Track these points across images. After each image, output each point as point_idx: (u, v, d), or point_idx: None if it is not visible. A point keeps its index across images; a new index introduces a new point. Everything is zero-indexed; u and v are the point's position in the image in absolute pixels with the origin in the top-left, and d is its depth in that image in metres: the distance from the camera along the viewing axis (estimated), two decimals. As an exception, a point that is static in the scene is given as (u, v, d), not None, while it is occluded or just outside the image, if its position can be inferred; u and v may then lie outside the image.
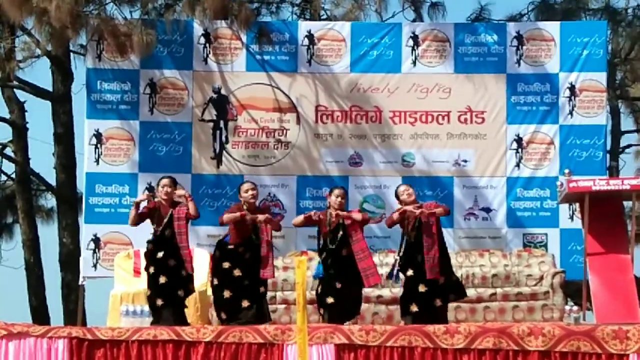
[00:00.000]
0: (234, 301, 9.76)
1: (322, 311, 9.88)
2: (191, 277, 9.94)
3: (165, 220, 9.89)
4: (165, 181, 10.07)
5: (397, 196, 10.19)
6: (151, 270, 9.90)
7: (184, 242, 9.82)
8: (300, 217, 10.17)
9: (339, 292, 9.78)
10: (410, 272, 9.93)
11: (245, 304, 9.74)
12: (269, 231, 9.90)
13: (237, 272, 9.79)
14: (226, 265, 9.84)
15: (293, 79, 12.76)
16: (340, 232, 9.89)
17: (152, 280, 9.86)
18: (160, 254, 9.84)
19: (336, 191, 10.11)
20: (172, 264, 9.84)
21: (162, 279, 9.80)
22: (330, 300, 9.78)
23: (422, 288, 9.81)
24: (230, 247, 9.90)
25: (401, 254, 9.97)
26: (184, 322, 9.73)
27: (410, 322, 9.65)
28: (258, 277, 9.80)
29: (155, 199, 10.12)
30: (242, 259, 9.82)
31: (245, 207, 9.96)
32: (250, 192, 9.99)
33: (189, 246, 9.96)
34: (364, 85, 12.75)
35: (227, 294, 9.78)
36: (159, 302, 9.78)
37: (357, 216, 9.97)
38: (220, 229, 11.97)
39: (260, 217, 9.87)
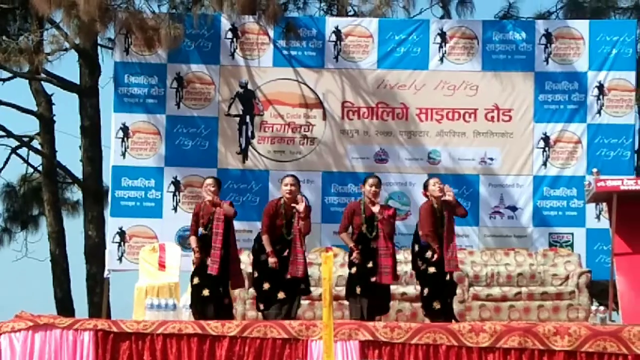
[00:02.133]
0: (271, 292, 9.82)
1: (351, 301, 9.89)
2: (221, 280, 9.87)
3: (206, 220, 9.91)
4: (209, 181, 10.06)
5: (425, 187, 10.16)
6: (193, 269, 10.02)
7: (218, 243, 9.80)
8: (346, 240, 10.05)
9: (371, 284, 9.78)
10: (432, 269, 9.91)
11: (281, 295, 9.79)
12: (297, 229, 9.85)
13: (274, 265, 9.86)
14: (264, 257, 9.87)
15: (320, 75, 12.75)
16: (376, 222, 9.86)
17: (190, 281, 9.98)
18: (203, 252, 9.88)
19: (370, 180, 10.11)
20: (207, 263, 9.87)
21: (195, 280, 9.88)
22: (358, 289, 9.79)
23: (443, 283, 9.86)
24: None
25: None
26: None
27: (433, 319, 9.69)
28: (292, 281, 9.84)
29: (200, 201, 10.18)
30: (280, 256, 9.85)
31: (282, 201, 9.97)
32: (288, 187, 9.97)
33: (221, 248, 9.83)
34: (391, 82, 12.72)
35: (266, 285, 9.84)
36: (189, 301, 9.89)
37: (299, 207, 9.86)
38: (244, 224, 12.05)
39: (299, 206, 9.82)
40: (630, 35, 12.71)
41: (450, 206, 10.00)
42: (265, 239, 9.90)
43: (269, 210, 10.01)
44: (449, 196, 9.98)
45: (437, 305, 9.84)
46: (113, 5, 12.45)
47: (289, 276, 9.78)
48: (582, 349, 8.72)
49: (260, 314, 10.14)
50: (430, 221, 9.90)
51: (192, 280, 9.94)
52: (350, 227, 10.06)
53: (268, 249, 9.84)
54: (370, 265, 9.84)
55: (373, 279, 9.82)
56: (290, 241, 9.86)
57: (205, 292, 9.78)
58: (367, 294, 9.80)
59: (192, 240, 10.01)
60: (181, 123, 12.67)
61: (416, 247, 10.06)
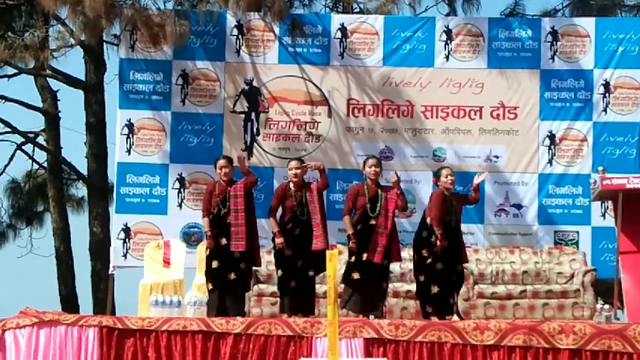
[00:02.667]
0: (284, 280, 9.95)
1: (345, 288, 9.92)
2: (246, 256, 9.85)
3: (222, 199, 9.91)
4: (222, 162, 10.13)
5: (436, 176, 10.15)
6: (208, 253, 9.97)
7: (241, 219, 9.79)
8: (348, 225, 10.06)
9: (366, 266, 9.80)
10: (439, 265, 9.89)
11: (292, 284, 9.87)
12: (315, 201, 9.88)
13: (287, 252, 9.91)
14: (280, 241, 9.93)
15: (325, 72, 12.74)
16: (379, 203, 9.88)
17: (206, 265, 9.94)
18: (215, 233, 9.89)
19: (369, 161, 10.12)
20: (223, 242, 9.86)
21: (215, 264, 9.86)
22: (356, 275, 9.82)
23: (453, 278, 9.86)
24: (281, 224, 10.01)
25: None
26: (234, 307, 9.72)
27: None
28: (309, 256, 9.82)
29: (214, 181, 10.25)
30: (292, 235, 9.91)
31: (290, 184, 10.04)
32: (292, 171, 10.03)
33: (245, 224, 9.83)
34: (396, 79, 12.71)
35: (279, 272, 10.00)
36: (209, 286, 9.89)
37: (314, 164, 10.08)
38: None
39: (313, 164, 10.00)
40: (637, 33, 12.67)
41: (463, 197, 10.04)
42: (271, 220, 10.01)
43: (278, 192, 10.13)
44: (482, 178, 10.02)
45: (434, 289, 9.77)
46: (119, 1, 12.46)
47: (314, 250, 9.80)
48: (587, 348, 8.70)
49: (263, 310, 10.15)
50: (440, 207, 9.88)
51: (210, 264, 9.86)
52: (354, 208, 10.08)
53: (275, 229, 9.91)
54: (366, 244, 9.86)
55: (364, 256, 9.81)
56: (305, 221, 9.91)
57: (232, 276, 9.76)
58: (361, 278, 9.78)
59: (205, 223, 9.97)
60: (186, 120, 12.67)
61: (424, 234, 9.98)
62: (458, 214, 9.99)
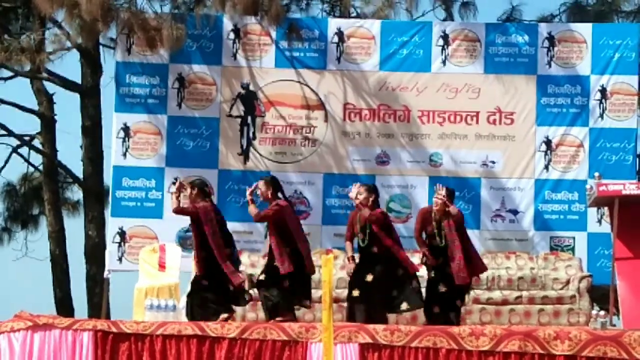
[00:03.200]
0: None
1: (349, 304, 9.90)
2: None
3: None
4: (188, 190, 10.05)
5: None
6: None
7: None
8: (347, 249, 10.14)
9: (369, 285, 9.76)
10: (432, 274, 9.94)
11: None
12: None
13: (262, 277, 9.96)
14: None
15: (322, 76, 12.74)
16: (368, 230, 9.86)
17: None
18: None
19: (354, 189, 10.00)
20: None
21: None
22: (356, 293, 9.78)
23: (442, 289, 9.82)
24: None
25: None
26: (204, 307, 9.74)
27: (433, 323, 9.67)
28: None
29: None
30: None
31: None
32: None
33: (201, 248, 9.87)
34: (393, 84, 12.70)
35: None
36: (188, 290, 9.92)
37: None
38: (245, 225, 12.03)
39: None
40: (633, 39, 12.68)
41: (451, 215, 9.92)
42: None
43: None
44: (438, 200, 9.90)
45: (436, 309, 9.86)
46: (115, 5, 12.44)
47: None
48: (583, 354, 8.69)
49: (257, 315, 10.15)
50: (419, 226, 9.99)
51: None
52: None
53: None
54: (369, 267, 9.82)
55: (370, 278, 9.77)
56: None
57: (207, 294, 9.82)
58: (361, 295, 9.78)
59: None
60: (182, 123, 12.66)
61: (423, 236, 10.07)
62: (449, 235, 9.85)
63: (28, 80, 15.21)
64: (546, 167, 12.59)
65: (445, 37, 12.72)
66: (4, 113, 17.68)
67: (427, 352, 8.81)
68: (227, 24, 12.74)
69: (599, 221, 12.41)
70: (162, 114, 12.66)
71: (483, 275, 11.38)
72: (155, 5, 12.95)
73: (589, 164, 12.51)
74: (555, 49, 12.68)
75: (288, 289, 9.78)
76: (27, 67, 13.84)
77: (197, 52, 12.71)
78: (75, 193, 16.35)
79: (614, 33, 12.79)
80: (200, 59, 12.71)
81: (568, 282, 11.33)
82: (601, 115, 12.61)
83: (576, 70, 12.67)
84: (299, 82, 12.74)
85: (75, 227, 15.36)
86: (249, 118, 12.72)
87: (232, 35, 12.75)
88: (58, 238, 15.01)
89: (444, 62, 12.70)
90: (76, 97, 14.66)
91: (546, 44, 12.70)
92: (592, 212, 12.38)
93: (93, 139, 14.36)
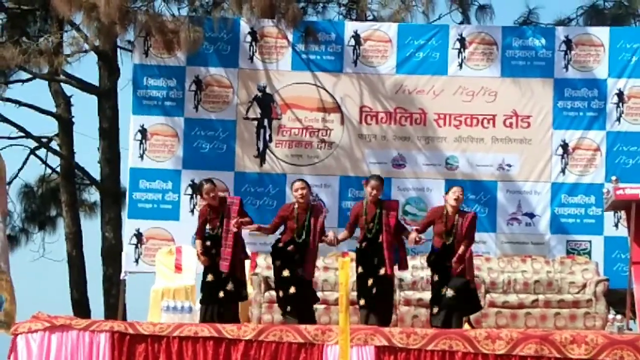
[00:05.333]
0: (284, 298, 9.94)
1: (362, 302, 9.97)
2: (232, 279, 9.94)
3: (215, 221, 10.02)
4: (208, 187, 10.14)
5: (446, 192, 10.29)
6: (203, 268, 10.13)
7: (230, 241, 9.87)
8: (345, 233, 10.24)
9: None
10: (436, 278, 9.98)
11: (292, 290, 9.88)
12: (316, 231, 9.95)
13: (285, 273, 9.91)
14: (277, 263, 9.98)
15: (338, 79, 12.75)
16: (375, 222, 9.93)
17: (203, 278, 10.08)
18: (212, 252, 9.98)
19: (371, 182, 10.13)
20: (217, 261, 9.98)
21: (209, 277, 9.96)
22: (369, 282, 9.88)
23: (445, 291, 9.85)
24: (280, 245, 10.03)
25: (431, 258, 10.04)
26: (221, 320, 9.75)
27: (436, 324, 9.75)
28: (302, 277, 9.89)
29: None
30: (292, 259, 9.92)
31: (296, 206, 10.01)
32: (299, 192, 10.02)
33: (232, 246, 9.94)
34: (409, 87, 12.70)
35: (280, 293, 9.98)
36: (201, 297, 9.95)
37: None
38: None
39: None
40: (651, 42, 12.65)
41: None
42: (266, 227, 10.11)
43: (284, 212, 10.11)
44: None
45: (435, 309, 9.91)
46: (133, 7, 12.48)
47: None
48: (599, 358, 8.68)
49: (274, 317, 10.18)
50: (426, 222, 10.15)
51: (204, 277, 9.98)
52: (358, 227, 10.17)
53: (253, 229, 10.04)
54: (375, 261, 9.89)
55: (382, 272, 9.85)
56: (302, 244, 9.90)
57: (220, 294, 9.84)
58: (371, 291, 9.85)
59: (198, 244, 10.05)
60: (199, 126, 12.69)
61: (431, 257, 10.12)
62: (460, 234, 9.90)
63: (46, 82, 15.28)
64: (563, 171, 12.57)
65: (462, 40, 12.71)
66: (22, 115, 17.83)
67: (443, 355, 8.81)
68: (244, 27, 12.76)
69: (616, 225, 12.37)
70: (179, 116, 12.70)
71: (499, 279, 11.41)
72: (173, 8, 13.03)
73: (606, 168, 12.47)
74: (573, 52, 12.65)
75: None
76: (45, 70, 13.90)
77: (214, 54, 12.75)
78: (92, 195, 16.43)
79: (631, 36, 12.75)
80: (217, 62, 12.75)
81: (584, 285, 11.31)
82: (618, 119, 12.57)
83: (593, 73, 12.63)
84: (315, 84, 12.76)
85: (92, 229, 15.44)
86: (266, 121, 12.74)
87: (249, 38, 12.78)
88: (75, 239, 15.08)
89: (460, 65, 12.69)
90: (94, 99, 14.73)
91: (563, 47, 12.67)
92: (609, 215, 12.34)
93: (110, 141, 14.43)
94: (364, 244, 10.02)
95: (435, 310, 9.88)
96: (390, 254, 9.87)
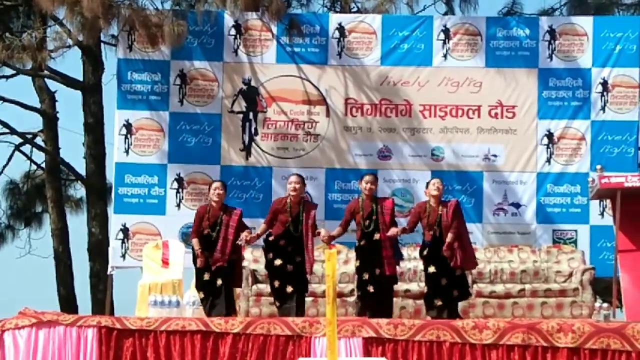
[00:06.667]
0: (282, 288, 9.94)
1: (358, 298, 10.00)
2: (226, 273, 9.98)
3: (212, 222, 9.99)
4: (217, 184, 10.16)
5: (427, 186, 10.27)
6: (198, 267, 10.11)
7: (226, 249, 9.93)
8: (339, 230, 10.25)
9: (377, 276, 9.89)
10: (432, 269, 9.96)
11: (289, 289, 9.90)
12: (308, 225, 9.98)
13: (277, 262, 9.92)
14: (270, 256, 10.00)
15: (323, 72, 12.74)
16: (373, 218, 9.93)
17: (197, 278, 10.08)
18: (205, 254, 9.98)
19: (366, 177, 10.22)
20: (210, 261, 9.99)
21: (206, 276, 9.96)
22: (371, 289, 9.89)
23: (443, 282, 9.89)
24: (271, 239, 10.05)
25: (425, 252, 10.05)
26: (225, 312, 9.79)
27: (436, 316, 9.74)
28: (300, 266, 9.90)
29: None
30: (284, 250, 9.94)
31: (289, 200, 10.02)
32: (292, 185, 10.03)
33: (229, 254, 9.99)
34: (394, 79, 12.71)
35: (276, 283, 9.96)
36: (201, 295, 9.96)
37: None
38: (247, 221, 11.96)
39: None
40: (634, 31, 12.66)
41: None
42: (262, 228, 10.08)
43: (276, 205, 10.13)
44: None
45: (438, 302, 9.89)
46: (116, 2, 12.44)
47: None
48: (586, 346, 8.71)
49: (262, 310, 10.18)
50: (413, 220, 10.17)
51: (201, 277, 9.97)
52: (354, 223, 10.16)
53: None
54: (375, 260, 9.91)
55: (378, 271, 9.87)
56: (297, 238, 9.92)
57: (219, 282, 9.86)
58: (372, 287, 9.86)
59: (195, 242, 10.01)
60: (184, 120, 12.67)
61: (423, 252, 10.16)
62: (447, 222, 9.95)
63: (30, 78, 15.23)
64: (548, 160, 12.60)
65: (446, 31, 12.72)
66: (6, 111, 17.76)
67: (431, 345, 8.83)
68: (228, 20, 12.74)
69: (602, 214, 12.42)
70: (164, 110, 12.67)
71: (486, 269, 11.43)
72: (156, 2, 12.98)
73: (591, 157, 12.51)
74: (557, 42, 12.68)
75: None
76: (29, 65, 13.84)
77: (198, 48, 12.72)
78: (78, 190, 16.41)
79: (615, 26, 12.78)
80: (201, 55, 12.72)
81: (571, 274, 11.34)
82: (603, 108, 12.61)
83: (577, 63, 12.66)
84: (300, 77, 12.75)
85: (78, 225, 15.42)
86: (251, 114, 12.73)
87: (233, 31, 12.76)
88: (61, 235, 15.04)
89: (445, 57, 12.70)
90: (78, 94, 14.69)
91: (547, 37, 12.70)
92: (595, 204, 12.39)
93: (95, 136, 14.39)
94: (362, 242, 10.03)
95: (439, 303, 9.87)
96: (389, 253, 9.88)
